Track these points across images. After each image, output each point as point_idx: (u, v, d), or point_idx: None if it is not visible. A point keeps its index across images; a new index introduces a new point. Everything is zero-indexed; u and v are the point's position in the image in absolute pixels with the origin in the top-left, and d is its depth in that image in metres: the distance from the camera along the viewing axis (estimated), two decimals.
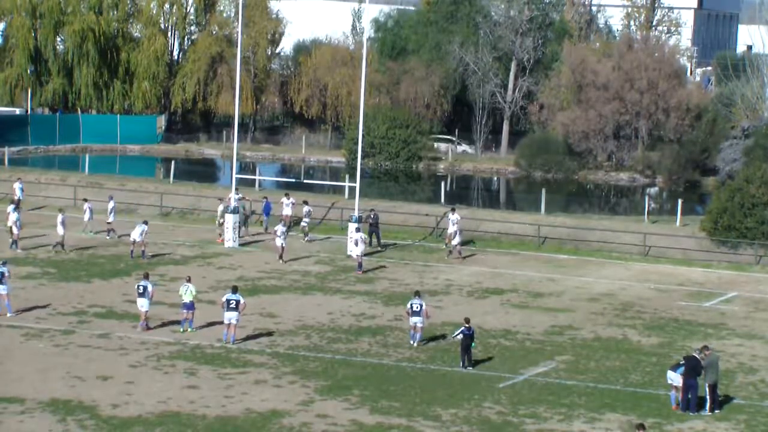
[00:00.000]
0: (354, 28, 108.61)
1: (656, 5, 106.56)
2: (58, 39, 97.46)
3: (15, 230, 55.33)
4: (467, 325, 38.81)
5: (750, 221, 58.83)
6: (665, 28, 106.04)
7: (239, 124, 70.26)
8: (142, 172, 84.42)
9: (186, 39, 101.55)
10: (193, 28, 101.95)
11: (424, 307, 40.95)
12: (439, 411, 34.21)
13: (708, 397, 35.43)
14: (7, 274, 43.14)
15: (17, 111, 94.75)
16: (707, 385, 35.37)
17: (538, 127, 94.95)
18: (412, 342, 41.13)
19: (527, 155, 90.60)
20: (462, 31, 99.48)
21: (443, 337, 42.25)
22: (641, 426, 29.88)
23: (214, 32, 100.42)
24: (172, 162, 75.84)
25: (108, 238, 58.62)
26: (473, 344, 38.87)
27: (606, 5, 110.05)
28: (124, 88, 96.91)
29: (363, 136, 62.33)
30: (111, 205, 59.43)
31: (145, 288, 41.46)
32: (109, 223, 59.01)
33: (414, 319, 40.98)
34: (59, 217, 55.24)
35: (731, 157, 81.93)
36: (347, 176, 68.56)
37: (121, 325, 42.24)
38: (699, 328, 45.82)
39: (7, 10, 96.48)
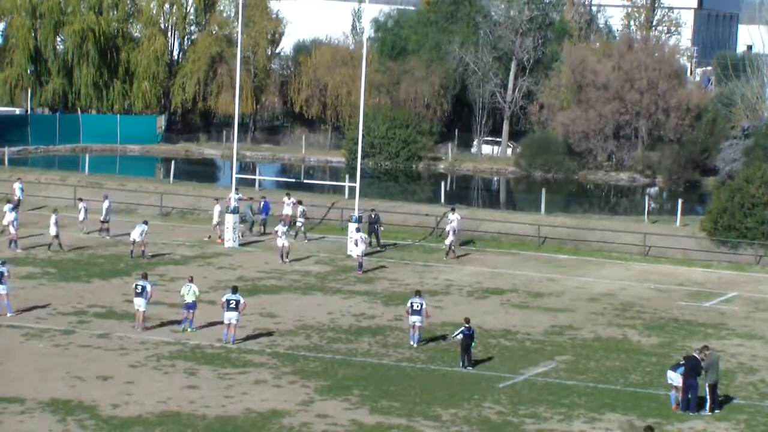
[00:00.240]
0: (354, 28, 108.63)
1: (656, 5, 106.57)
2: (58, 39, 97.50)
3: (12, 230, 55.34)
4: (467, 325, 38.81)
5: (750, 221, 58.83)
6: (665, 28, 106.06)
7: (239, 124, 70.27)
8: (142, 172, 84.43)
9: (186, 39, 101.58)
10: (193, 28, 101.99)
11: (424, 306, 40.95)
12: (439, 411, 34.21)
13: (708, 397, 35.43)
14: (6, 274, 43.14)
15: (17, 111, 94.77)
16: (707, 385, 35.36)
17: (538, 127, 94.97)
18: (411, 342, 41.15)
19: (527, 155, 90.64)
20: (462, 31, 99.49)
21: (443, 337, 42.24)
22: (650, 429, 29.92)
23: (214, 32, 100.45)
24: (172, 162, 75.85)
25: (100, 237, 58.52)
26: (473, 344, 38.87)
27: (606, 5, 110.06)
28: (124, 88, 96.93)
29: (363, 136, 62.33)
30: (106, 204, 59.40)
31: (143, 288, 41.43)
32: (103, 222, 59.01)
33: (413, 318, 40.97)
34: (52, 218, 55.29)
35: (731, 157, 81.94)
36: (347, 176, 68.55)
37: (121, 325, 42.23)
38: (699, 328, 45.82)
39: (7, 10, 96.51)
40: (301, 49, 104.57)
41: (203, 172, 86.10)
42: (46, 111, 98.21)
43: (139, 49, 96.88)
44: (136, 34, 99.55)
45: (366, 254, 54.81)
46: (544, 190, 67.29)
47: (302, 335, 42.15)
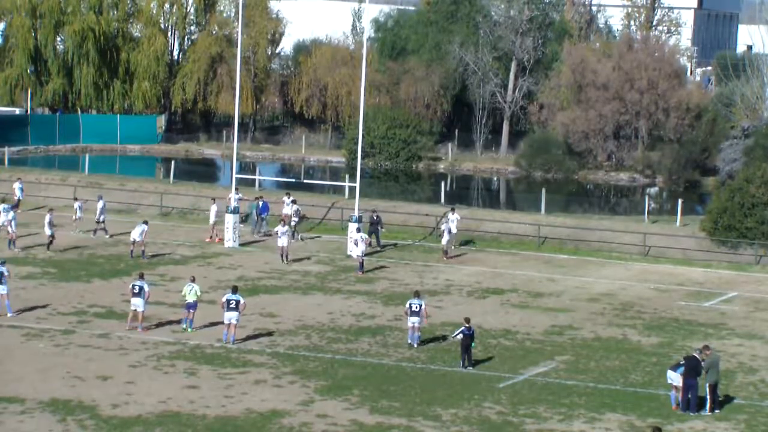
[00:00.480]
0: (354, 28, 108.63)
1: (656, 5, 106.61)
2: (58, 39, 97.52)
3: (10, 230, 55.32)
4: (467, 325, 38.80)
5: (750, 221, 58.82)
6: (665, 28, 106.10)
7: (239, 124, 70.24)
8: (142, 172, 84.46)
9: (186, 39, 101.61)
10: (193, 28, 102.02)
11: (423, 307, 40.91)
12: (439, 411, 34.20)
13: (708, 397, 35.42)
14: (6, 274, 43.14)
15: (17, 111, 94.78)
16: (707, 385, 35.35)
17: (538, 127, 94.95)
18: (410, 342, 41.13)
19: (527, 155, 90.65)
20: (462, 31, 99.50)
21: (443, 337, 42.23)
22: (658, 429, 29.93)
23: (214, 32, 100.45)
24: (172, 162, 75.85)
25: (94, 237, 58.46)
26: (473, 344, 38.87)
27: (606, 5, 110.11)
28: (124, 88, 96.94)
29: (363, 136, 62.33)
30: (100, 204, 59.34)
31: (141, 288, 41.41)
32: (98, 222, 58.97)
33: (412, 319, 40.93)
34: (47, 217, 55.28)
35: (731, 157, 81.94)
36: (347, 176, 68.55)
37: (121, 325, 42.19)
38: (699, 328, 45.81)
39: (7, 10, 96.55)
40: (301, 49, 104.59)
41: (203, 172, 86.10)
42: (46, 111, 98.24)
43: (139, 49, 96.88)
44: (136, 34, 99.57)
45: (366, 254, 54.80)
46: (544, 190, 67.30)
47: (302, 335, 42.15)
